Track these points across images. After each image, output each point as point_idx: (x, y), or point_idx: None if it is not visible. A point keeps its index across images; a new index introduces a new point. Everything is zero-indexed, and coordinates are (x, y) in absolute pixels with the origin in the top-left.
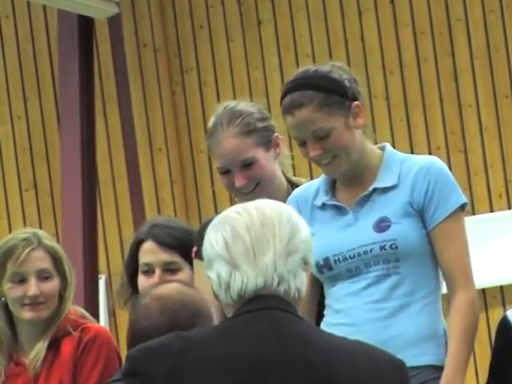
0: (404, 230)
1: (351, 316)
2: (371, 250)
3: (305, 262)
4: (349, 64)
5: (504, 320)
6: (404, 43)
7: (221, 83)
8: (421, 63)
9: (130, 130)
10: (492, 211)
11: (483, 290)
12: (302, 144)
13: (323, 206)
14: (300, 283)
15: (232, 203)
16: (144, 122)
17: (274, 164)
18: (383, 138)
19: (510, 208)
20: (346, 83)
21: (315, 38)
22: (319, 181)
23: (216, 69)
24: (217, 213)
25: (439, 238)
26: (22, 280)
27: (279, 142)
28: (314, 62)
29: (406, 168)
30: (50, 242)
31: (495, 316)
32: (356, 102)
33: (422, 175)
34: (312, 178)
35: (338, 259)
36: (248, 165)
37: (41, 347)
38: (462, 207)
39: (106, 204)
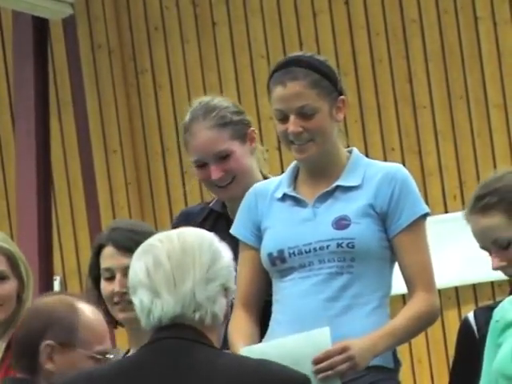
0: (363, 231)
1: (300, 314)
2: (328, 247)
3: (225, 289)
4: None
5: (466, 322)
6: (358, 45)
7: (176, 85)
8: (375, 65)
9: (84, 132)
10: (447, 212)
11: (438, 291)
12: (283, 119)
13: (283, 198)
14: (218, 309)
15: (187, 204)
16: (99, 124)
17: (250, 158)
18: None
19: (464, 209)
20: (338, 77)
21: (270, 40)
22: (283, 175)
23: (171, 71)
24: (171, 215)
25: (402, 245)
26: None
27: (254, 137)
28: (269, 64)
29: (371, 172)
30: (6, 243)
31: (450, 317)
32: (342, 97)
33: (388, 181)
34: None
35: (293, 252)
36: (223, 157)
37: None
38: (425, 216)
39: (60, 206)
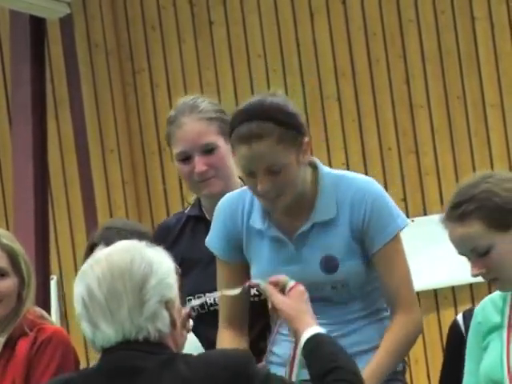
0: (353, 269)
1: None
2: (322, 289)
3: (165, 301)
4: (301, 66)
5: (455, 323)
6: (356, 45)
7: (172, 85)
8: (372, 65)
9: (81, 131)
10: (443, 212)
11: (435, 291)
12: (250, 174)
13: (260, 233)
14: (162, 324)
15: (184, 205)
16: (96, 123)
17: (231, 159)
18: (335, 140)
19: None
20: (300, 117)
21: (267, 40)
22: (251, 195)
23: (168, 70)
24: (168, 214)
25: (380, 264)
26: None
27: None
28: (266, 63)
29: (342, 194)
30: (8, 240)
31: (446, 317)
32: (307, 139)
33: (358, 204)
34: None
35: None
36: (209, 150)
37: None
38: (402, 229)
39: (57, 205)
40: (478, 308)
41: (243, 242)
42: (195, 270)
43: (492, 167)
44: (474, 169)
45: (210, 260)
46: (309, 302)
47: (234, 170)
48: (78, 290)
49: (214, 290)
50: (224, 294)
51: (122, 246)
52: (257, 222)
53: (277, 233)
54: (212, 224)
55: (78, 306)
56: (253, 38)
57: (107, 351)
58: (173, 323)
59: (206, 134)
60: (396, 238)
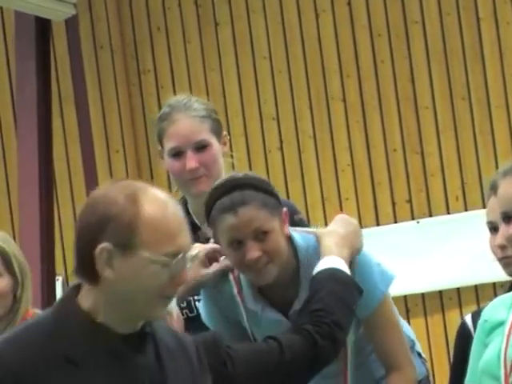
0: (350, 339)
1: None
2: None
3: None
4: (305, 66)
5: (463, 324)
6: (361, 45)
7: (178, 85)
8: (377, 65)
9: (86, 131)
10: (449, 213)
11: (440, 292)
12: (237, 246)
13: (255, 315)
14: None
15: None
16: (101, 124)
17: (221, 159)
18: (340, 140)
19: (466, 210)
20: (274, 189)
21: (272, 40)
22: (232, 284)
23: (173, 70)
24: None
25: (370, 329)
26: None
27: (226, 141)
28: (271, 64)
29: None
30: (1, 241)
31: (451, 318)
32: (284, 209)
33: None
34: None
35: None
36: (202, 148)
37: None
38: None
39: (63, 206)
40: (486, 307)
41: (240, 318)
42: None
43: (497, 167)
44: (479, 169)
45: None
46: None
47: (222, 169)
48: None
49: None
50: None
51: None
52: (249, 303)
53: (272, 313)
54: (205, 310)
55: None
56: (258, 39)
57: None
58: None
59: (199, 132)
60: (382, 303)
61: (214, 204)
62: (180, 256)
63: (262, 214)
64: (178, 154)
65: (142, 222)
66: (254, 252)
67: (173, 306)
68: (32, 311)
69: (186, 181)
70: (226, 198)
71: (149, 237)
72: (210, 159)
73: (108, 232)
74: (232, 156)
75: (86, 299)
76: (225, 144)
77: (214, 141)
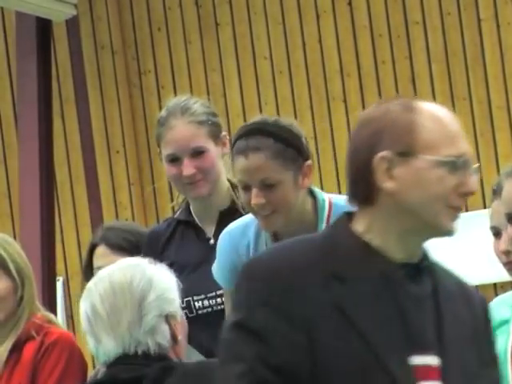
0: None
1: None
2: None
3: (165, 315)
4: (306, 66)
5: None
6: (361, 46)
7: (179, 86)
8: (378, 66)
9: (87, 132)
10: None
11: None
12: (246, 188)
13: None
14: (161, 338)
15: None
16: (102, 125)
17: (220, 162)
18: (341, 141)
19: (467, 210)
20: (303, 141)
21: (273, 41)
22: (257, 227)
23: (174, 71)
24: (174, 215)
25: None
26: None
27: (226, 142)
28: (272, 65)
29: None
30: None
31: None
32: (308, 162)
33: None
34: None
35: None
36: (198, 153)
37: (2, 351)
38: None
39: (63, 206)
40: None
41: None
42: (182, 274)
43: (498, 168)
44: (480, 170)
45: (197, 264)
46: None
47: (223, 172)
48: (83, 307)
49: (201, 293)
50: None
51: (124, 263)
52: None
53: None
54: (217, 256)
55: (83, 323)
56: (259, 39)
57: (108, 367)
58: (173, 336)
59: (196, 138)
60: None
61: (235, 143)
62: (463, 159)
63: (272, 164)
64: (174, 160)
65: (421, 125)
66: (258, 199)
67: (177, 308)
68: (40, 314)
69: (184, 185)
70: (242, 141)
71: (429, 139)
72: (207, 165)
73: (385, 141)
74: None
75: (360, 223)
76: (224, 145)
77: (211, 145)
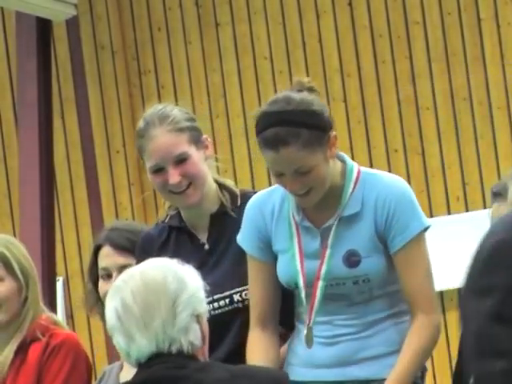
0: (374, 265)
1: (327, 330)
2: (344, 283)
3: (196, 315)
4: (307, 66)
5: None
6: (362, 46)
7: (179, 86)
8: (378, 66)
9: (87, 132)
10: (449, 214)
11: (441, 293)
12: (279, 175)
13: (294, 224)
14: (193, 337)
15: None
16: (102, 125)
17: (204, 165)
18: (341, 140)
19: (467, 210)
20: (325, 114)
21: (273, 41)
22: (282, 193)
23: (174, 71)
24: None
25: (400, 264)
26: None
27: (208, 144)
28: (272, 64)
29: (368, 190)
30: (1, 246)
31: (452, 319)
32: (333, 133)
33: (382, 203)
34: (236, 180)
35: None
36: (181, 161)
37: (8, 352)
38: (424, 231)
39: (63, 206)
40: None
41: (272, 239)
42: None
43: (498, 168)
44: (480, 170)
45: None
46: None
47: (209, 175)
48: (112, 303)
49: None
50: None
51: (154, 263)
52: (291, 213)
53: (309, 223)
54: (243, 223)
55: (111, 319)
56: (259, 39)
57: (143, 366)
58: (203, 337)
59: (177, 145)
60: (418, 238)
61: (260, 132)
62: None
63: (304, 153)
64: (159, 170)
65: None
66: (294, 185)
67: (205, 309)
68: (45, 315)
69: (170, 195)
70: (270, 133)
71: None
72: (191, 169)
73: None
74: (217, 159)
75: None
76: (207, 148)
77: (193, 151)
